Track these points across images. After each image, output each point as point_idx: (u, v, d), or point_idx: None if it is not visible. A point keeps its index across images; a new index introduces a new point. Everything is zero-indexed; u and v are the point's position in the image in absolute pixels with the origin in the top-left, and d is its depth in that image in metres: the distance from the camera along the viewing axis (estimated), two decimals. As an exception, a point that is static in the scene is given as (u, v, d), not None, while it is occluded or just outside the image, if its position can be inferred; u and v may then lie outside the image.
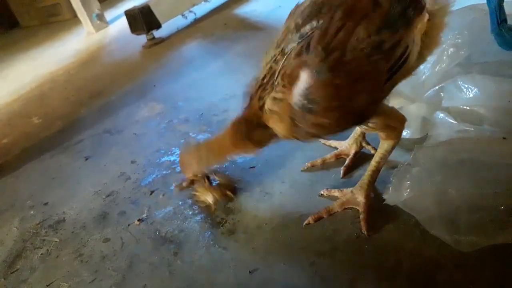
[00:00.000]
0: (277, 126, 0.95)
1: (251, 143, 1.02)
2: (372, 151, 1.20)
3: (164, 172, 1.48)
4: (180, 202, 1.31)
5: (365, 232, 1.01)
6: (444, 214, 0.92)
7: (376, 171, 1.06)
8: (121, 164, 1.62)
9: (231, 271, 1.03)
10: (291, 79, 0.87)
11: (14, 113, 2.55)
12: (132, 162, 1.61)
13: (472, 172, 0.95)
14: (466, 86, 1.13)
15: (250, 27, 2.71)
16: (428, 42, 0.94)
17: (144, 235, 1.23)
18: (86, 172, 1.66)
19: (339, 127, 0.93)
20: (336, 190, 1.13)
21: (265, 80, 0.94)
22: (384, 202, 1.03)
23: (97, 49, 3.37)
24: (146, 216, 1.30)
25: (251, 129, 1.00)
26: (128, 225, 1.29)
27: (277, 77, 0.91)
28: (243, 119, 1.01)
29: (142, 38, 3.00)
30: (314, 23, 0.88)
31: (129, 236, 1.24)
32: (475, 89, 1.11)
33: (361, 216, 1.04)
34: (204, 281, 1.03)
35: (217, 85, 2.01)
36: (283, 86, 0.89)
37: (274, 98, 0.92)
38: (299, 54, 0.87)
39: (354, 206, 1.07)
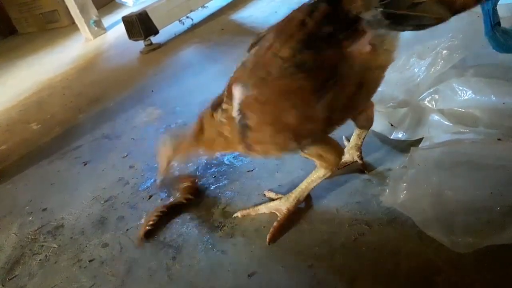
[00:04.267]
0: (230, 139, 1.03)
1: (201, 144, 1.11)
2: (362, 167, 1.21)
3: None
4: (179, 207, 1.31)
5: (268, 240, 1.07)
6: (441, 215, 0.92)
7: (305, 190, 1.11)
8: (120, 169, 1.63)
9: (229, 275, 1.03)
10: (229, 93, 0.96)
11: (13, 120, 2.56)
12: (131, 167, 1.61)
13: (468, 173, 0.96)
14: (461, 88, 1.14)
15: (246, 32, 2.72)
16: (370, 77, 0.91)
17: (143, 240, 1.23)
18: (85, 177, 1.66)
19: (280, 146, 0.97)
20: (274, 193, 1.21)
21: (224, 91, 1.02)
22: (381, 204, 1.03)
23: (95, 55, 3.39)
24: (144, 221, 1.30)
25: (202, 131, 1.10)
26: (127, 230, 1.29)
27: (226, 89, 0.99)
28: (200, 119, 1.10)
29: (140, 44, 3.02)
30: (261, 42, 0.94)
31: (127, 241, 1.24)
32: (470, 91, 1.12)
33: (274, 224, 1.09)
34: (203, 285, 1.03)
35: (214, 90, 1.98)
36: (227, 97, 0.98)
37: (222, 110, 1.00)
38: (237, 68, 0.96)
39: (277, 213, 1.13)
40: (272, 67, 0.88)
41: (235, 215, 1.19)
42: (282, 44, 0.87)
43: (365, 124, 1.14)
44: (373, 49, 0.85)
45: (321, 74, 0.86)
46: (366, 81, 0.92)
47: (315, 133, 0.95)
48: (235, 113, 0.95)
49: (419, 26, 0.80)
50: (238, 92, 0.94)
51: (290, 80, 0.87)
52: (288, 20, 0.91)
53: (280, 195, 1.18)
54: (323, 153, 1.01)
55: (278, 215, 1.12)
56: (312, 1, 0.89)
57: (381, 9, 0.78)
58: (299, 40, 0.85)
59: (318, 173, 1.08)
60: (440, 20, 0.77)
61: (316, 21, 0.84)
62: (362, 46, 0.85)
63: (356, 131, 1.19)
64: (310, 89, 0.87)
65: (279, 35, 0.90)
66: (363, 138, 1.20)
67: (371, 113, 1.12)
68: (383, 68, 0.93)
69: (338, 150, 1.03)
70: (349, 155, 1.22)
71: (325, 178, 1.08)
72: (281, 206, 1.12)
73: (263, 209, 1.16)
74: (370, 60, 0.88)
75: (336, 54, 0.85)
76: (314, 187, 1.11)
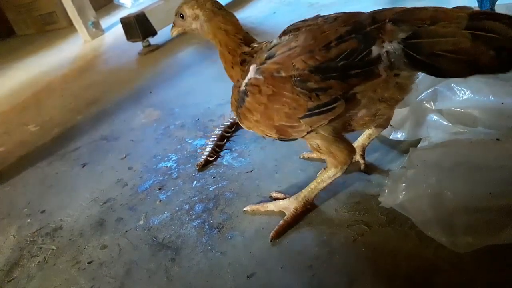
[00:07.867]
0: (233, 97, 1.08)
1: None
2: (362, 167, 1.21)
3: (161, 178, 1.48)
4: (177, 208, 1.31)
5: (270, 236, 1.07)
6: (440, 216, 0.92)
7: (315, 189, 1.11)
8: (118, 170, 1.62)
9: (229, 276, 1.03)
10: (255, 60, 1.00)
11: (11, 121, 2.55)
12: (129, 168, 1.61)
13: (467, 173, 0.96)
14: (460, 88, 1.13)
15: (245, 33, 2.72)
16: (374, 108, 0.92)
17: (142, 241, 1.23)
18: (83, 179, 1.65)
19: (265, 132, 1.02)
20: (282, 194, 1.20)
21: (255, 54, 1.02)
22: (380, 205, 1.03)
23: (93, 57, 3.38)
24: (143, 222, 1.30)
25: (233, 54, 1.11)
26: (126, 231, 1.29)
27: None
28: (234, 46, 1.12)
29: (138, 45, 3.01)
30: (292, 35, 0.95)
31: (126, 243, 1.24)
32: (469, 91, 1.12)
33: (281, 222, 1.10)
34: (202, 286, 1.03)
35: (213, 91, 2.02)
36: (253, 62, 1.00)
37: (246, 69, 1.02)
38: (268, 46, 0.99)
39: (285, 211, 1.13)
40: (284, 67, 0.90)
41: (244, 209, 1.20)
42: (300, 54, 0.88)
43: (383, 123, 1.13)
44: (384, 79, 0.84)
45: (318, 98, 0.88)
46: (369, 110, 0.92)
47: (296, 137, 0.99)
48: (243, 83, 1.00)
49: (434, 73, 0.80)
50: (251, 71, 0.98)
51: (290, 89, 0.90)
52: (322, 31, 0.89)
53: (287, 195, 1.17)
54: (334, 151, 1.01)
55: (286, 213, 1.11)
56: (352, 26, 0.85)
57: (402, 46, 0.78)
58: (315, 60, 0.86)
59: (328, 173, 1.07)
60: (457, 76, 0.79)
61: (339, 52, 0.84)
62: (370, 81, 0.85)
63: (369, 131, 1.19)
64: (303, 106, 0.90)
65: (305, 41, 0.89)
66: (372, 139, 1.21)
67: (392, 113, 1.11)
68: (389, 101, 0.92)
69: (349, 149, 1.02)
70: None
71: (336, 179, 1.07)
72: (290, 205, 1.12)
73: (272, 206, 1.16)
74: (377, 90, 0.88)
75: (341, 87, 0.86)
76: (324, 187, 1.09)
